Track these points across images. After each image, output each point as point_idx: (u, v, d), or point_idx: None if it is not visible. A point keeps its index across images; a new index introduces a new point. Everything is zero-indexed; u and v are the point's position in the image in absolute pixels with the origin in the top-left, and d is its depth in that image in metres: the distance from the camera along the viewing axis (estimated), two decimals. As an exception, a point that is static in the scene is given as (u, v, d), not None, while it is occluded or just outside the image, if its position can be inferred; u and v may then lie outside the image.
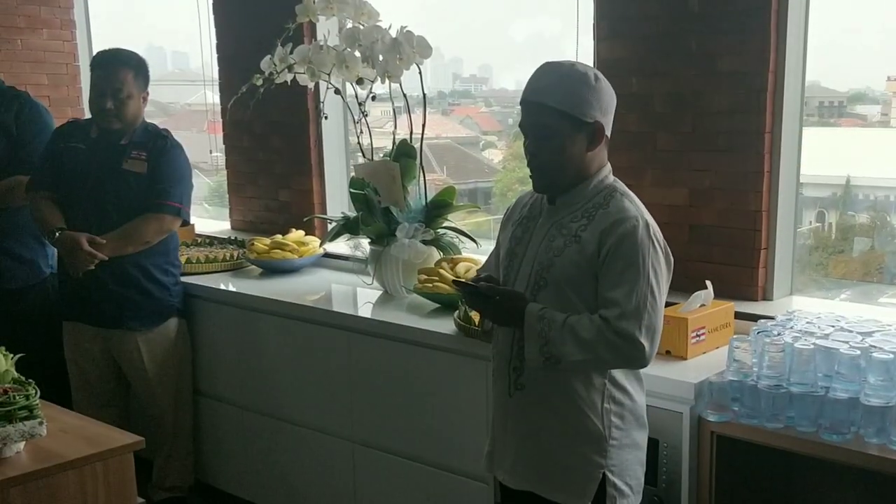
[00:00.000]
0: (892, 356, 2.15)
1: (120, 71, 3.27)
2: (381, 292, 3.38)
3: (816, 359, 2.24)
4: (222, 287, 3.60)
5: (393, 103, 3.35)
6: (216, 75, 4.50)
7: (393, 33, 3.15)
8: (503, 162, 4.69)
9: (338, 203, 4.17)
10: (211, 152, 5.25)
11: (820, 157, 3.20)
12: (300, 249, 3.80)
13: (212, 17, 4.46)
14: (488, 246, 3.09)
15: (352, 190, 3.50)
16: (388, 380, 3.03)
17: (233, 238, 4.22)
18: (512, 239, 2.23)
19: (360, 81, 3.25)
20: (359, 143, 3.42)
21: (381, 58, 3.14)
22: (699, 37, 2.88)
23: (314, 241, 3.90)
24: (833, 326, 2.46)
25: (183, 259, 3.69)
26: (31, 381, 2.22)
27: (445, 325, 2.88)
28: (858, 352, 2.20)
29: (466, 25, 4.45)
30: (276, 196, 4.34)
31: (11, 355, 2.32)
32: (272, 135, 4.27)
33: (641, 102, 3.01)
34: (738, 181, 2.87)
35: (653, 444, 2.33)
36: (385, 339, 3.01)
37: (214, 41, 4.46)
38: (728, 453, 2.33)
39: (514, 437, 2.20)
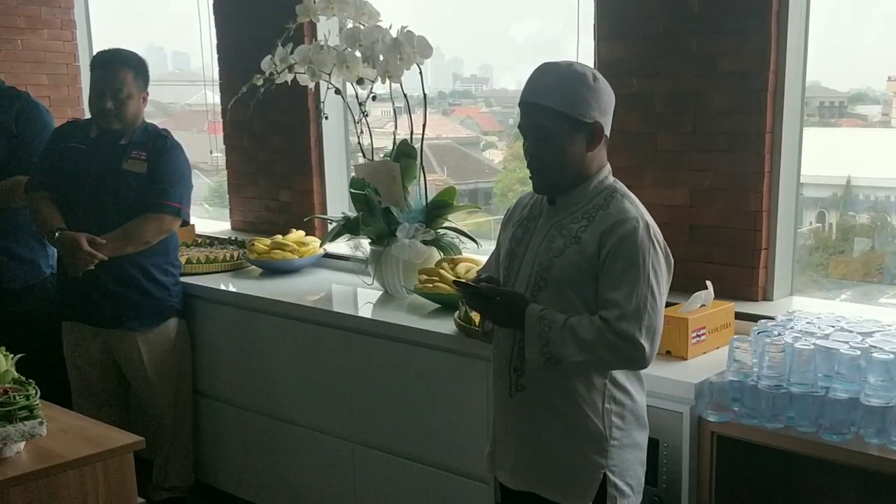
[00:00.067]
0: (892, 356, 2.15)
1: (120, 71, 3.27)
2: (381, 292, 3.37)
3: (816, 359, 2.24)
4: (222, 287, 3.60)
5: (393, 103, 3.35)
6: (216, 75, 4.50)
7: (393, 33, 3.15)
8: (504, 162, 4.69)
9: (338, 203, 4.17)
10: (211, 152, 5.25)
11: (820, 157, 3.20)
12: (300, 250, 3.80)
13: (212, 17, 4.46)
14: (489, 246, 3.09)
15: (352, 190, 3.50)
16: (388, 380, 3.03)
17: (233, 238, 4.22)
18: (512, 240, 2.22)
19: (360, 81, 3.25)
20: (359, 143, 3.42)
21: (381, 58, 3.14)
22: (699, 37, 2.88)
23: (314, 242, 3.90)
24: (833, 327, 2.46)
25: (183, 259, 3.69)
26: (31, 381, 2.22)
27: (446, 326, 2.88)
28: (858, 352, 2.20)
29: (467, 25, 4.46)
30: (276, 196, 4.34)
31: (11, 355, 2.32)
32: (272, 135, 4.27)
33: (642, 102, 3.01)
34: (738, 181, 2.86)
35: (653, 445, 2.33)
36: (385, 339, 3.01)
37: (214, 41, 4.46)
38: (728, 453, 2.33)
39: (514, 438, 2.20)
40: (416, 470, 3.00)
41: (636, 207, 2.09)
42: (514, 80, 4.54)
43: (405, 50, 3.10)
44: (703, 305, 2.64)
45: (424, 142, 3.32)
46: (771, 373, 2.25)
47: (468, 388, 2.78)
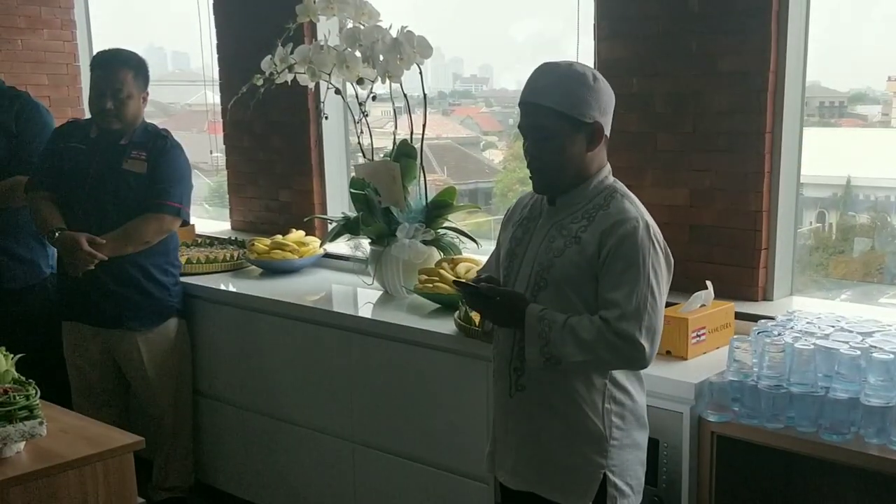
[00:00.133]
0: (892, 356, 2.15)
1: (120, 71, 3.27)
2: (381, 293, 3.37)
3: (816, 359, 2.24)
4: (222, 287, 3.60)
5: (393, 103, 3.35)
6: (216, 75, 4.50)
7: (393, 33, 3.15)
8: (504, 162, 4.69)
9: (338, 203, 4.17)
10: (211, 152, 5.25)
11: (820, 157, 3.20)
12: (300, 250, 3.80)
13: (212, 17, 4.46)
14: (489, 246, 3.09)
15: (352, 190, 3.50)
16: (388, 380, 3.03)
17: (233, 238, 4.22)
18: (512, 240, 2.22)
19: (360, 81, 3.25)
20: (359, 143, 3.42)
21: (381, 58, 3.14)
22: (699, 37, 2.88)
23: (314, 242, 3.90)
24: (833, 327, 2.46)
25: (183, 259, 3.69)
26: (31, 381, 2.22)
27: (446, 326, 2.88)
28: (858, 352, 2.20)
29: (467, 25, 4.46)
30: (276, 196, 4.34)
31: (11, 355, 2.32)
32: (272, 135, 4.27)
33: (642, 102, 3.01)
34: (738, 181, 2.86)
35: (653, 444, 2.33)
36: (385, 339, 3.01)
37: (214, 41, 4.46)
38: (728, 453, 2.33)
39: (514, 438, 2.20)
40: (416, 470, 3.00)
41: (636, 207, 2.09)
42: (514, 80, 4.55)
43: (405, 50, 3.10)
44: (703, 305, 2.64)
45: (424, 142, 3.32)
46: (771, 373, 2.25)
47: (468, 388, 2.78)
